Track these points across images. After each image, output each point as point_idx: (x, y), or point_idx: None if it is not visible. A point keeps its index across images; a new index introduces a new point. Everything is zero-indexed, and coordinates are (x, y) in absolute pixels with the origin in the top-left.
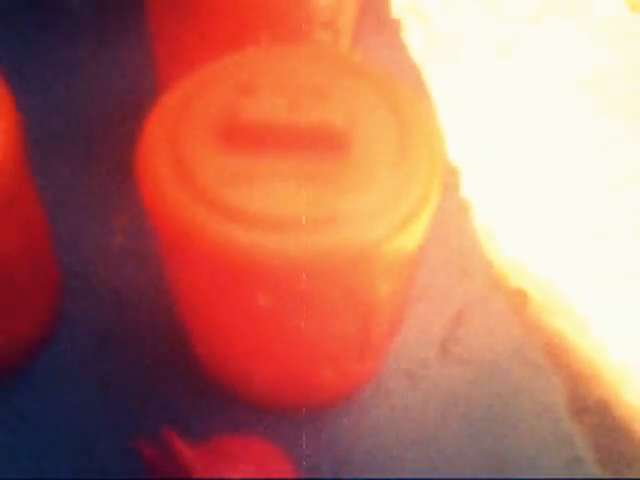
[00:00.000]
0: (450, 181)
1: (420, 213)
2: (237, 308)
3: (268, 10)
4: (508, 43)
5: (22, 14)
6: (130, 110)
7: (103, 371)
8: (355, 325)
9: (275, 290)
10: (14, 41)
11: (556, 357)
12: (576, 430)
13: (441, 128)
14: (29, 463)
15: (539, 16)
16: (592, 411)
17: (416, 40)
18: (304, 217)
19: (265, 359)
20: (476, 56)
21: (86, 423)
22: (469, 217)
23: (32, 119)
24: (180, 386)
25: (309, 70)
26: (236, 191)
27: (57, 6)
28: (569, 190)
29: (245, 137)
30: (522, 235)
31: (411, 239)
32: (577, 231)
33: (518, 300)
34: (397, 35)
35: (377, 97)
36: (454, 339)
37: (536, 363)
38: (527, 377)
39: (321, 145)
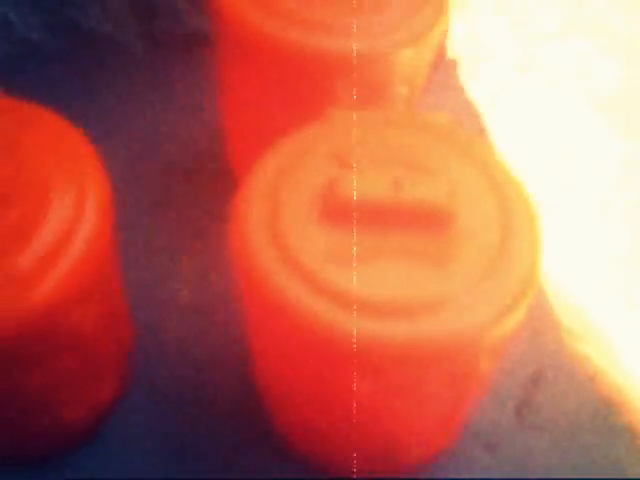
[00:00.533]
0: None
1: (525, 295)
2: (329, 387)
3: (350, 66)
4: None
5: (82, 55)
6: (194, 157)
7: (174, 434)
8: (448, 405)
9: (374, 375)
10: (72, 81)
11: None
12: None
13: (535, 202)
14: None
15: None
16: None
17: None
18: (409, 303)
19: (350, 432)
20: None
21: None
22: None
23: None
24: (253, 449)
25: (404, 141)
26: (337, 271)
27: (116, 45)
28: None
29: (346, 213)
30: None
31: (516, 320)
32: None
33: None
34: (456, 76)
35: (476, 170)
36: (529, 405)
37: (614, 431)
38: (604, 446)
39: (422, 222)
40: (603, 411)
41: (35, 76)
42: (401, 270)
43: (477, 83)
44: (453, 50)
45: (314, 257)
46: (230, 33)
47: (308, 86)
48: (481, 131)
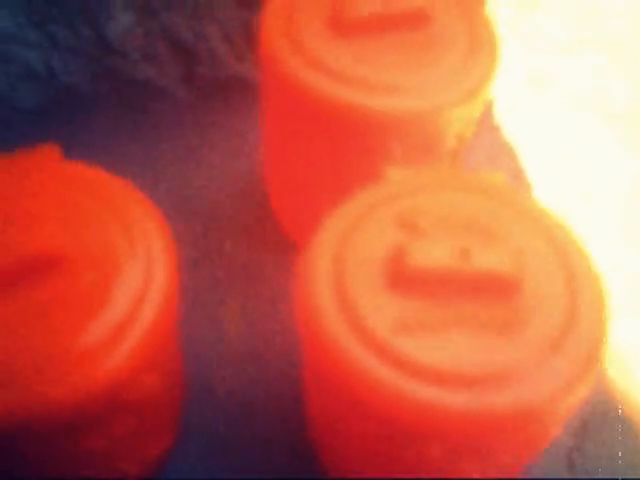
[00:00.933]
0: None
1: (593, 365)
2: (393, 453)
3: (402, 125)
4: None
5: (123, 99)
6: (237, 202)
7: None
8: (512, 466)
9: (440, 443)
10: (114, 126)
11: None
12: None
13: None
14: None
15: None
16: None
17: None
18: (477, 373)
19: None
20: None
21: None
22: None
23: None
24: None
25: (466, 204)
26: (406, 339)
27: (157, 90)
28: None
29: (413, 281)
30: None
31: (586, 389)
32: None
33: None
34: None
35: (539, 235)
36: (580, 450)
37: None
38: None
39: (489, 290)
40: None
41: (77, 122)
42: (469, 339)
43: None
44: None
45: (382, 324)
46: (278, 86)
47: (359, 143)
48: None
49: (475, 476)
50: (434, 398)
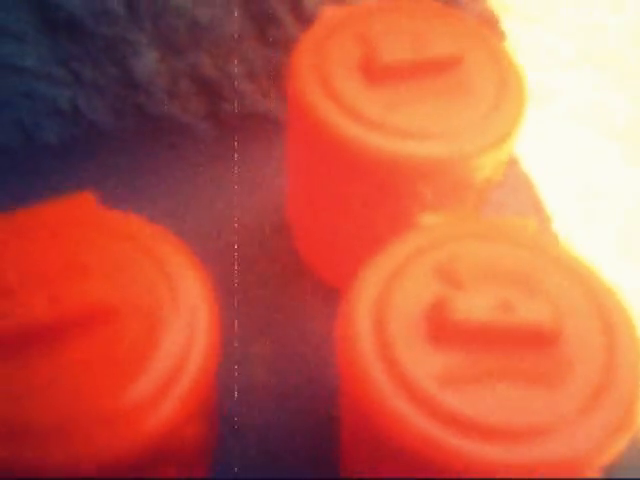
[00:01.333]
0: None
1: (633, 417)
2: None
3: (432, 171)
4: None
5: (147, 135)
6: (261, 239)
7: None
8: None
9: None
10: (138, 162)
11: None
12: None
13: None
14: None
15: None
16: None
17: None
18: (519, 426)
19: None
20: None
21: None
22: None
23: None
24: None
25: (502, 253)
26: (450, 393)
27: (181, 126)
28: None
29: (454, 333)
30: None
31: (626, 439)
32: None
33: None
34: None
35: (575, 284)
36: None
37: None
38: None
39: (529, 342)
40: None
41: (101, 158)
42: (511, 391)
43: None
44: None
45: (425, 377)
46: (307, 129)
47: (389, 189)
48: None
49: None
50: (479, 451)
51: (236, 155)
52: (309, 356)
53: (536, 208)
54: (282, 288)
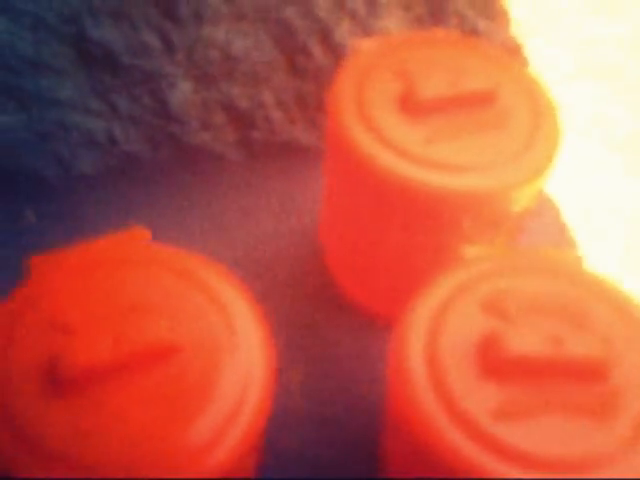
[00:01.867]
0: None
1: None
2: None
3: (471, 204)
4: None
5: (181, 164)
6: (292, 262)
7: None
8: None
9: None
10: (172, 190)
11: None
12: None
13: None
14: None
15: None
16: None
17: None
18: (575, 459)
19: None
20: None
21: None
22: None
23: None
24: None
25: (548, 287)
26: (504, 426)
27: (213, 155)
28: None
29: (507, 368)
30: None
31: None
32: None
33: None
34: None
35: (623, 319)
36: None
37: None
38: None
39: (580, 376)
40: None
41: (137, 187)
42: (563, 424)
43: None
44: None
45: (479, 410)
46: (347, 161)
47: (430, 221)
48: None
49: None
50: None
51: (265, 181)
52: (342, 380)
53: (560, 229)
54: (314, 310)
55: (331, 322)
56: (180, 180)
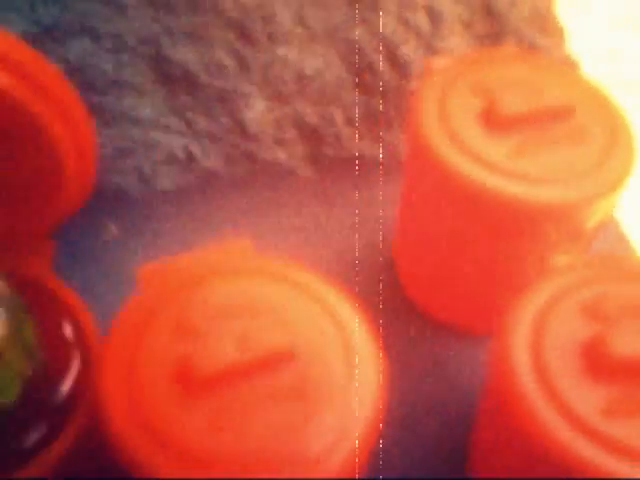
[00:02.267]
0: None
1: None
2: None
3: (560, 213)
4: None
5: (256, 181)
6: (364, 278)
7: None
8: None
9: None
10: (248, 204)
11: None
12: None
13: None
14: None
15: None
16: None
17: None
18: None
19: None
20: None
21: None
22: None
23: None
24: None
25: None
26: (615, 424)
27: (286, 170)
28: None
29: (614, 369)
30: None
31: None
32: None
33: None
34: None
35: None
36: None
37: None
38: None
39: None
40: None
41: (214, 202)
42: None
43: None
44: None
45: (586, 408)
46: (430, 174)
47: (516, 233)
48: None
49: None
50: None
51: (336, 196)
52: (418, 393)
53: (619, 238)
54: (386, 323)
55: (405, 334)
56: (253, 194)
